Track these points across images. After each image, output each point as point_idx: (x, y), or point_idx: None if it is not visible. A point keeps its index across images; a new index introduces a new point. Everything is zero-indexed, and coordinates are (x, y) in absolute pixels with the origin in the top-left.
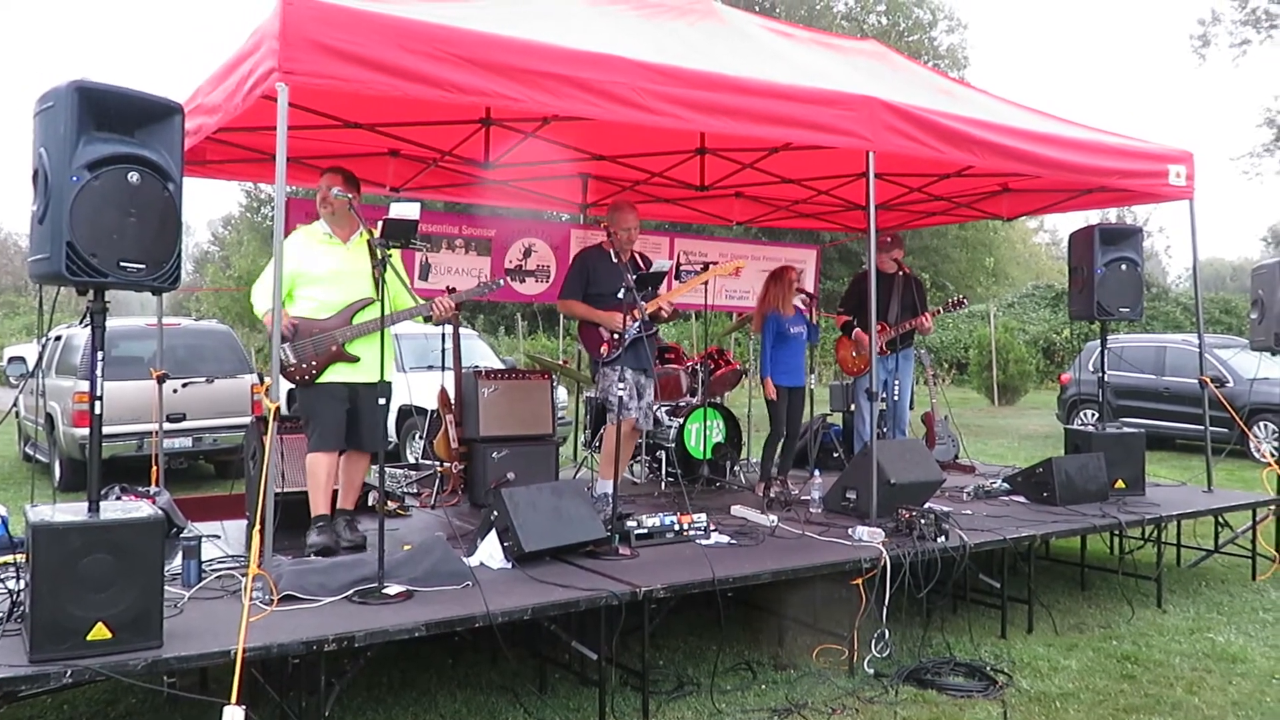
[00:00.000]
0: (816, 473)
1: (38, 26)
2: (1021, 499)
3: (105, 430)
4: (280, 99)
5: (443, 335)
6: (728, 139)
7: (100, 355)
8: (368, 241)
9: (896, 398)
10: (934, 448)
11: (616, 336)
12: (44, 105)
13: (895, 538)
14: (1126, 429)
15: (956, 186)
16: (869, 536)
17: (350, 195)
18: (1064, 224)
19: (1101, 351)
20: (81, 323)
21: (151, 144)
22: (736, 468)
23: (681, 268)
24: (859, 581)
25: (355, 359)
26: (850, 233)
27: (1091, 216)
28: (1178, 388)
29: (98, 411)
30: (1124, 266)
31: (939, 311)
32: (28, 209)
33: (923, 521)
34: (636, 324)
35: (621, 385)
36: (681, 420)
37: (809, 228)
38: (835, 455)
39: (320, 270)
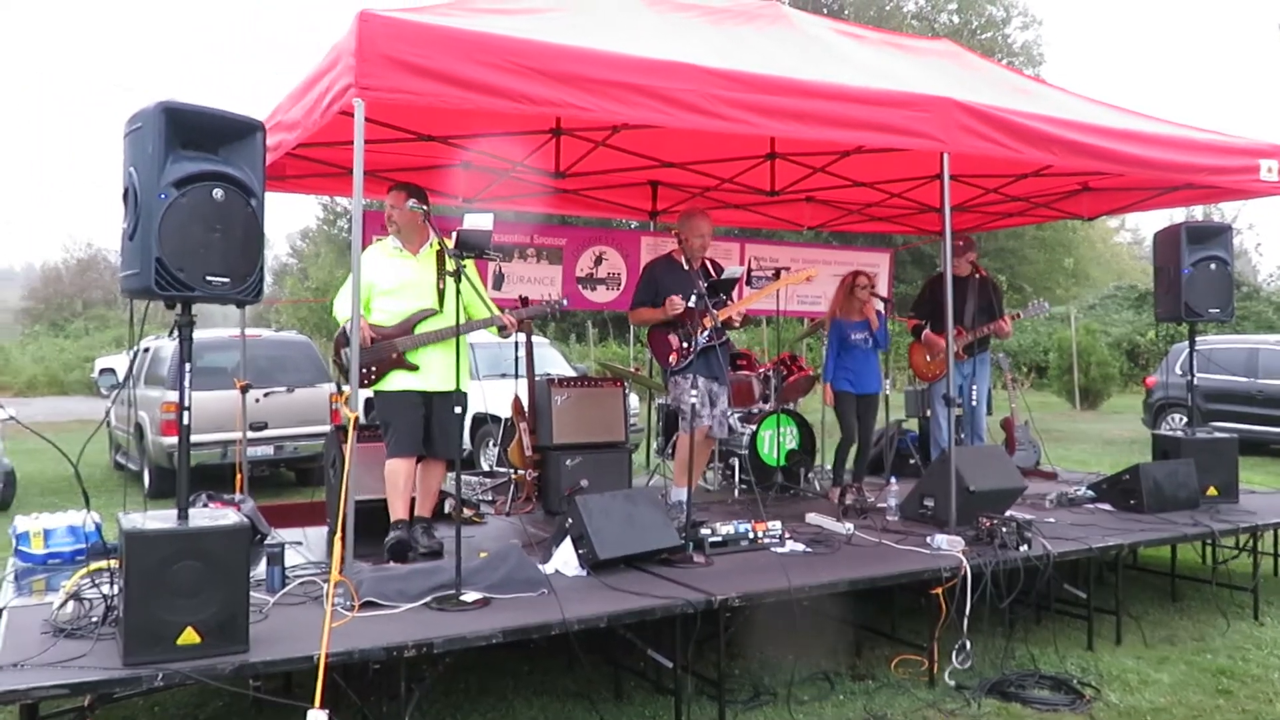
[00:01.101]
0: (893, 480)
1: (45, 26)
2: (1107, 507)
3: (192, 439)
4: (357, 114)
5: (515, 344)
6: (798, 143)
7: (188, 367)
8: (438, 252)
9: (974, 403)
10: (1014, 454)
11: (685, 345)
12: (133, 126)
13: (976, 546)
14: (1218, 434)
15: (1034, 186)
16: (948, 545)
17: (425, 207)
18: (1147, 222)
19: (1190, 354)
20: (170, 335)
21: (235, 161)
22: (810, 475)
23: (753, 274)
24: (939, 591)
25: (414, 367)
26: (924, 235)
27: (1176, 214)
28: (1272, 390)
29: (185, 421)
30: (1213, 266)
31: (1018, 315)
32: (118, 226)
33: (1004, 530)
34: (707, 332)
35: (694, 393)
36: (754, 427)
37: (882, 231)
38: (911, 462)
39: (389, 282)
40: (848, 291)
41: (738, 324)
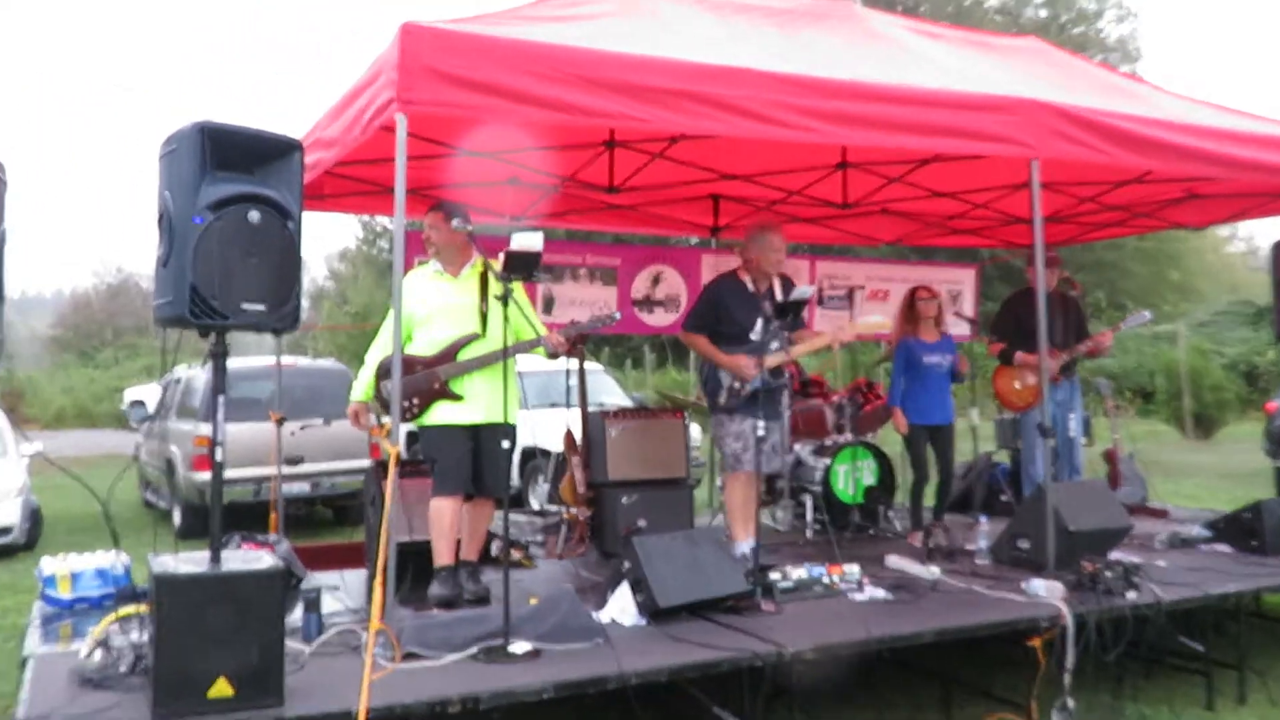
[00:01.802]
0: (982, 519)
1: (43, 26)
2: (1225, 548)
3: (224, 475)
4: (399, 129)
5: (567, 371)
6: (872, 152)
7: (221, 399)
8: (480, 274)
9: (1071, 433)
10: (1118, 489)
11: (737, 385)
12: (168, 148)
13: (1077, 593)
14: None
15: (1134, 194)
16: (1046, 591)
17: (470, 227)
18: (1263, 231)
19: None
20: (203, 365)
21: (271, 182)
22: (891, 514)
23: (824, 294)
24: (1036, 642)
25: (458, 397)
26: (1012, 249)
27: None
28: None
29: (219, 457)
30: None
31: (1118, 328)
32: (151, 251)
33: (1109, 574)
34: (763, 373)
35: (737, 440)
36: (828, 461)
37: (965, 245)
38: (1003, 499)
39: (429, 307)
40: (908, 308)
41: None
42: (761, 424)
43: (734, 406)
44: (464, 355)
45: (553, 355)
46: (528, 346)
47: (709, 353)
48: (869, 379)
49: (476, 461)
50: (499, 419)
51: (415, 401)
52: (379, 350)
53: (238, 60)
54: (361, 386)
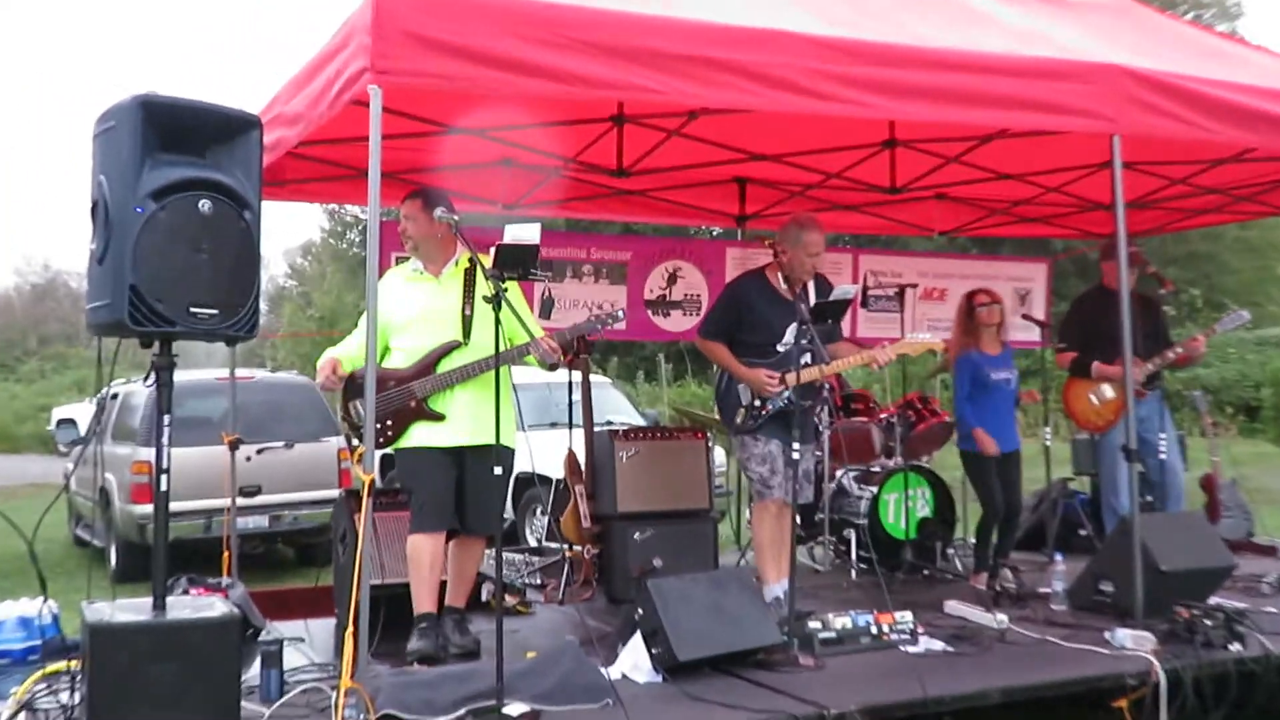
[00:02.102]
0: (1058, 557)
1: (44, 26)
2: None
3: (170, 507)
4: (373, 104)
5: (569, 385)
6: (925, 127)
7: (166, 419)
8: (465, 271)
9: (1162, 454)
10: (1219, 521)
11: (757, 403)
12: (104, 125)
13: (1170, 644)
14: None
15: (1234, 175)
16: (1134, 643)
17: (455, 217)
18: None
19: None
20: (144, 380)
21: (226, 165)
22: (950, 550)
23: (869, 293)
24: (1122, 704)
25: (439, 416)
26: (1090, 239)
27: None
28: None
29: (164, 486)
30: None
31: (1212, 332)
32: (84, 247)
33: (1208, 623)
34: (786, 392)
35: (763, 464)
36: (875, 490)
37: (1035, 235)
38: (1082, 533)
39: (406, 313)
40: (966, 316)
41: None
42: (796, 446)
43: (753, 427)
44: (444, 367)
45: (549, 366)
46: (515, 355)
47: (726, 364)
48: (923, 393)
49: (462, 491)
50: (488, 440)
51: (389, 423)
52: (348, 344)
53: (238, 60)
54: (342, 349)
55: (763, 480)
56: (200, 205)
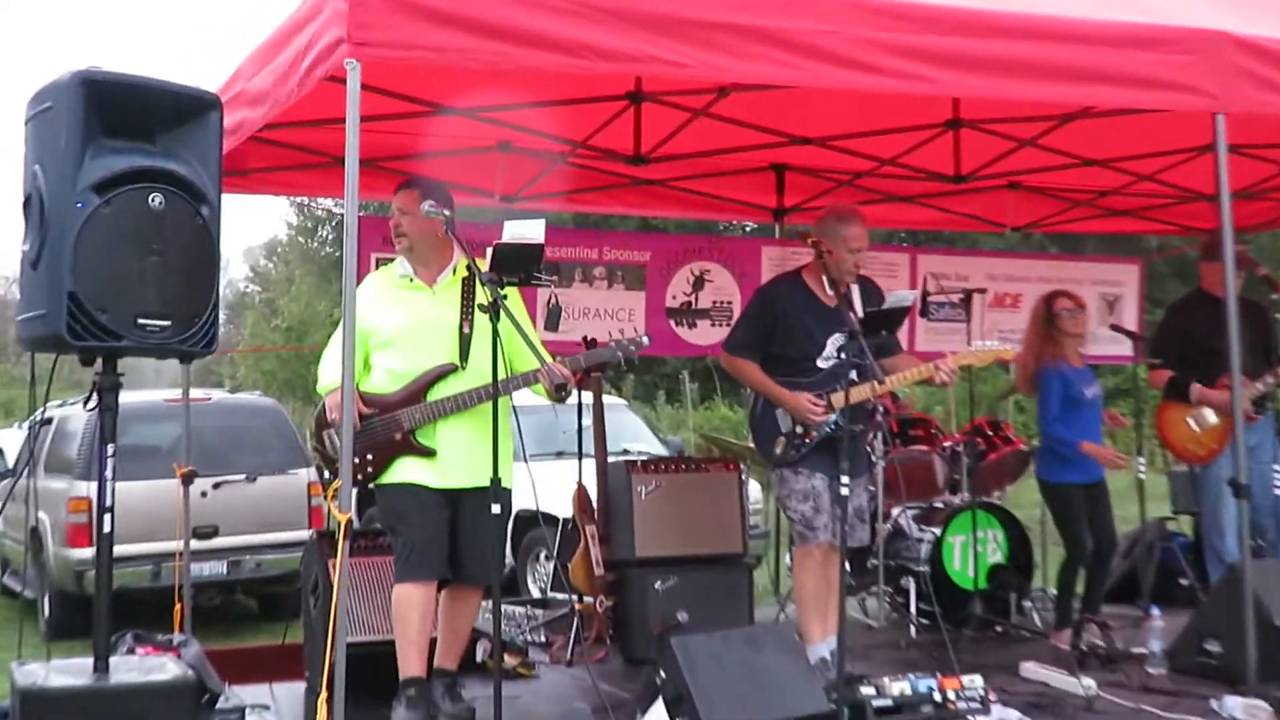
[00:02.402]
0: (1155, 611)
1: (44, 26)
2: None
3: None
4: (350, 80)
5: (578, 408)
6: (994, 105)
7: (110, 449)
8: (464, 280)
9: (1277, 490)
10: None
11: (799, 431)
12: (39, 107)
13: None
14: None
15: None
16: (1246, 713)
17: (448, 213)
18: None
19: None
20: (85, 403)
21: (180, 153)
22: (1026, 603)
23: (929, 301)
24: None
25: (428, 452)
26: (1189, 236)
27: None
28: None
29: (107, 528)
30: None
31: None
32: (15, 248)
33: None
34: (833, 417)
35: (805, 501)
36: (938, 531)
37: (1125, 231)
38: (1183, 583)
39: (393, 325)
40: (1045, 323)
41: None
42: (845, 479)
43: (794, 459)
44: (437, 394)
45: (558, 396)
46: (521, 383)
47: (760, 386)
48: (994, 417)
49: (456, 534)
50: (483, 479)
51: (370, 458)
52: (332, 361)
53: (190, 31)
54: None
55: (806, 520)
56: (150, 200)
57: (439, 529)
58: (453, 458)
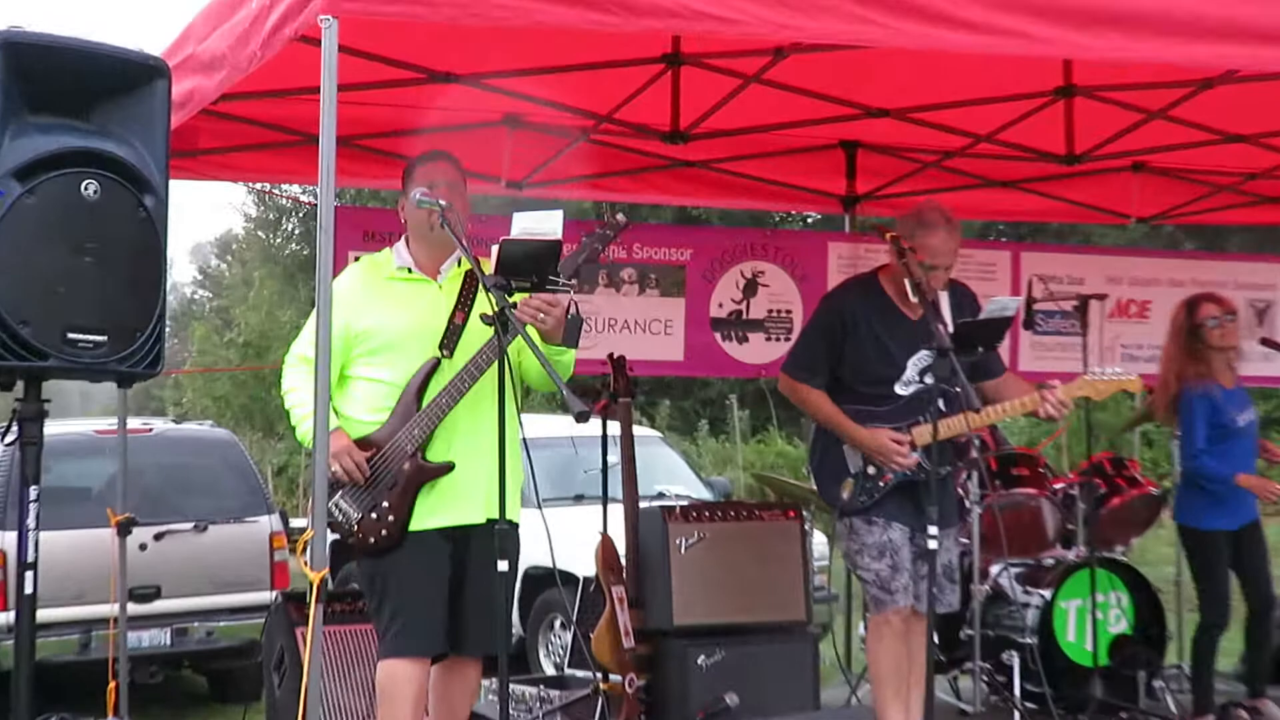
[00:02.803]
0: None
1: None
2: None
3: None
4: (326, 41)
5: (602, 440)
6: (1117, 69)
7: (34, 492)
8: (467, 274)
9: None
10: None
11: (872, 471)
12: None
13: None
14: None
15: None
16: None
17: (442, 203)
18: None
19: None
20: (5, 437)
21: (119, 131)
22: (1158, 683)
23: (1036, 310)
24: None
25: (447, 468)
26: None
27: None
28: None
29: (29, 588)
30: None
31: None
32: None
33: None
34: (918, 453)
35: (881, 557)
36: (1048, 594)
37: (1278, 222)
38: None
39: (396, 328)
40: (1188, 335)
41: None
42: (933, 531)
43: (866, 505)
44: (431, 395)
45: (580, 417)
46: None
47: (831, 421)
48: (1117, 453)
49: (459, 595)
50: (486, 513)
51: (386, 505)
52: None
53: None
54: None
55: (881, 582)
56: (84, 188)
57: (439, 588)
58: (469, 482)
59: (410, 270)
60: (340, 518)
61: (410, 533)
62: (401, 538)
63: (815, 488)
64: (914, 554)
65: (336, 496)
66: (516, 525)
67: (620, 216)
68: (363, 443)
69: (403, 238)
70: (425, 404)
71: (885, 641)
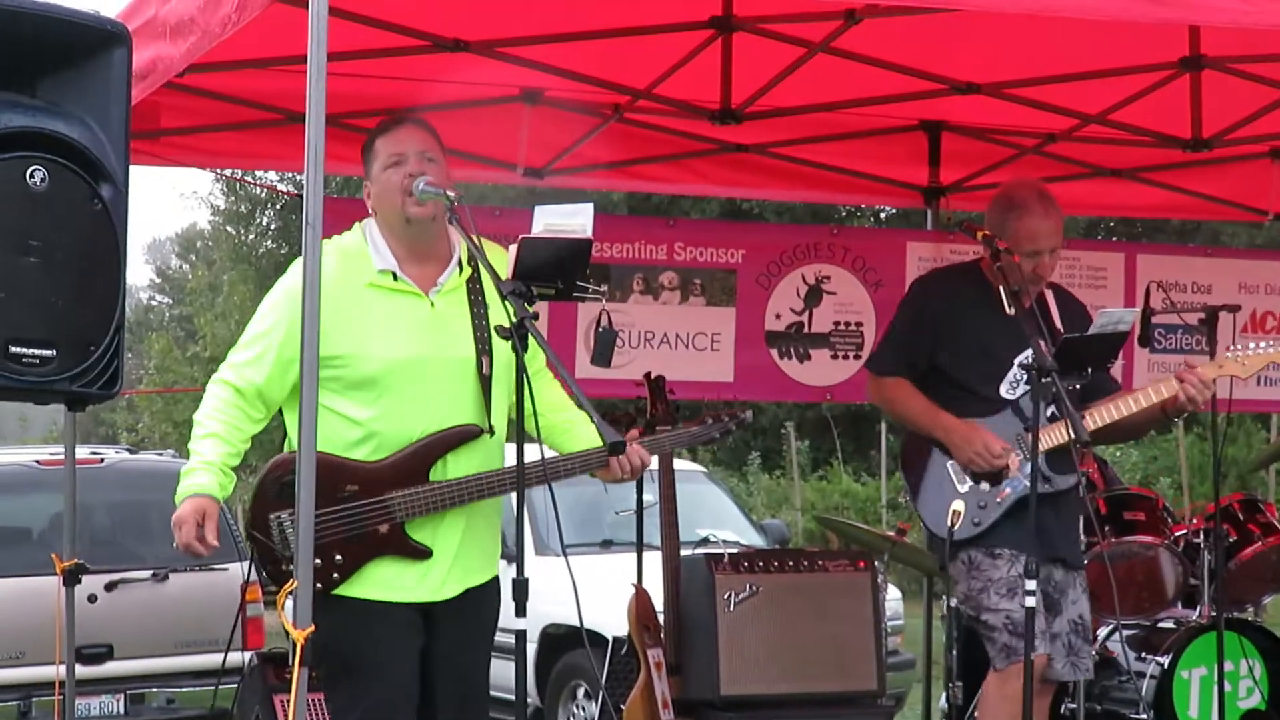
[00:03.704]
0: None
1: None
2: None
3: None
4: (314, 3)
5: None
6: (1252, 36)
7: None
8: (469, 280)
9: None
10: None
11: (985, 488)
12: None
13: None
14: None
15: None
16: None
17: (453, 194)
18: None
19: None
20: None
21: (69, 108)
22: None
23: (1154, 323)
24: None
25: (422, 553)
26: None
27: None
28: None
29: None
30: None
31: None
32: None
33: None
34: (1027, 465)
35: (1005, 592)
36: (1166, 661)
37: None
38: None
39: (379, 358)
40: None
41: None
42: (1058, 569)
43: (982, 532)
44: (444, 472)
45: (614, 450)
46: (580, 464)
47: (920, 413)
48: (1249, 493)
49: (431, 672)
50: (482, 577)
51: (338, 556)
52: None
53: None
54: (209, 464)
55: (1014, 625)
56: (28, 176)
57: (410, 674)
58: (442, 555)
59: (395, 276)
60: (280, 546)
61: (383, 603)
62: (336, 587)
63: (894, 532)
64: (1055, 591)
65: (283, 513)
66: (525, 582)
67: (748, 415)
68: (341, 469)
69: (370, 220)
70: (435, 477)
71: (1013, 702)
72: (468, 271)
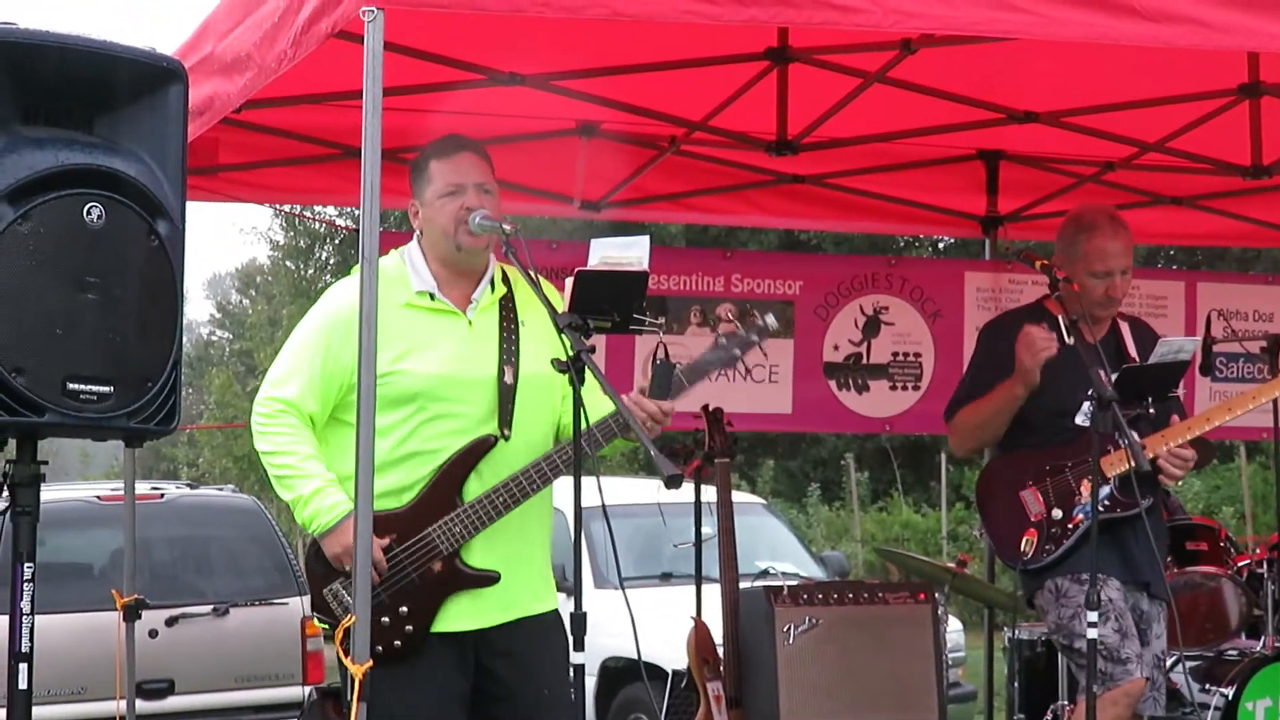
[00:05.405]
0: None
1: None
2: None
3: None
4: (370, 37)
5: (695, 509)
6: None
7: (28, 569)
8: (502, 299)
9: None
10: None
11: (1059, 513)
12: None
13: None
14: None
15: None
16: None
17: (509, 226)
18: None
19: None
20: None
21: (126, 144)
22: None
23: (1216, 352)
24: None
25: (488, 579)
26: None
27: None
28: None
29: (24, 684)
30: None
31: None
32: None
33: None
34: (1108, 487)
35: (1104, 620)
36: (1231, 692)
37: None
38: None
39: (416, 378)
40: None
41: (1177, 470)
42: (1144, 596)
43: (1057, 559)
44: (473, 490)
45: (671, 483)
46: (600, 437)
47: (987, 418)
48: None
49: (488, 702)
50: (537, 607)
51: (404, 610)
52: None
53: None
54: (333, 481)
55: (1109, 650)
56: (86, 212)
57: (445, 710)
58: (510, 582)
59: (433, 296)
60: (339, 611)
61: (443, 635)
62: (416, 649)
63: (954, 563)
64: (1142, 621)
65: (336, 584)
66: (584, 616)
67: (770, 319)
68: (375, 524)
69: (412, 243)
70: (470, 496)
71: None
72: (501, 290)
